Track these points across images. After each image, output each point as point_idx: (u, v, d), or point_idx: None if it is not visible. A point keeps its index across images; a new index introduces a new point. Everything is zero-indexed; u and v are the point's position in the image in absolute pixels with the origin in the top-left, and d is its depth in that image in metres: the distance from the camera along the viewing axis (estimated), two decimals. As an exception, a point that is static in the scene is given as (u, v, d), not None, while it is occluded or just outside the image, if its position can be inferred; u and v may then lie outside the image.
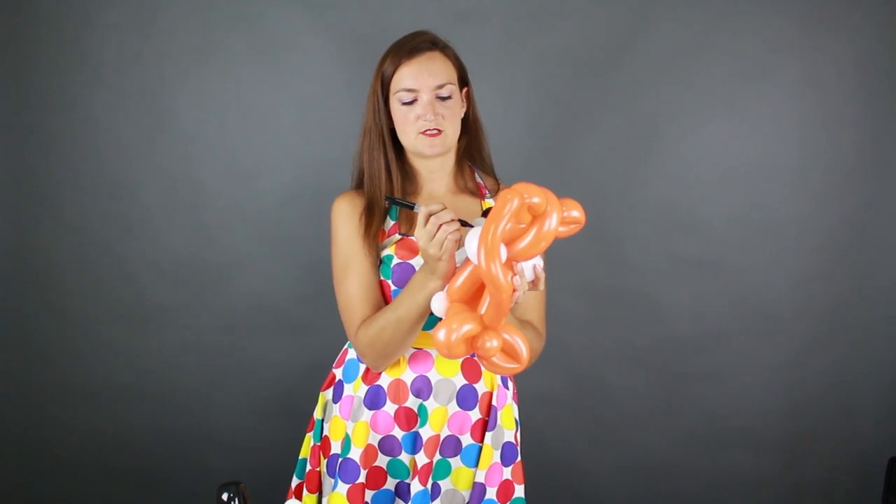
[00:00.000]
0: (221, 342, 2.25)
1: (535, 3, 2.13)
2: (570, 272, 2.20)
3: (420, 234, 1.22)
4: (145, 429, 2.29)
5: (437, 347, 1.13)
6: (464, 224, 1.25)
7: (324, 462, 1.49)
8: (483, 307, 1.17)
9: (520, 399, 2.20)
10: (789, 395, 2.28)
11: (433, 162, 1.43)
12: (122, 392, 2.28)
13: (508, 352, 1.16)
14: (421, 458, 1.38)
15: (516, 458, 1.45)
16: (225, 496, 1.24)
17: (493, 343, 1.13)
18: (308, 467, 1.52)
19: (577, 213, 1.15)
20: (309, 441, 1.54)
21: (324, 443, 1.50)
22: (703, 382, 2.27)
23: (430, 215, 1.21)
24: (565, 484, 2.31)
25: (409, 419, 1.40)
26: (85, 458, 2.30)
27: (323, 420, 1.52)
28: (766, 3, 2.12)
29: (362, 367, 1.46)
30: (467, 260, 1.19)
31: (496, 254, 1.08)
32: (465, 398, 1.40)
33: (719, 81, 2.16)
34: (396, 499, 1.44)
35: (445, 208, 1.22)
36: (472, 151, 1.50)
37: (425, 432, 1.39)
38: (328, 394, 1.52)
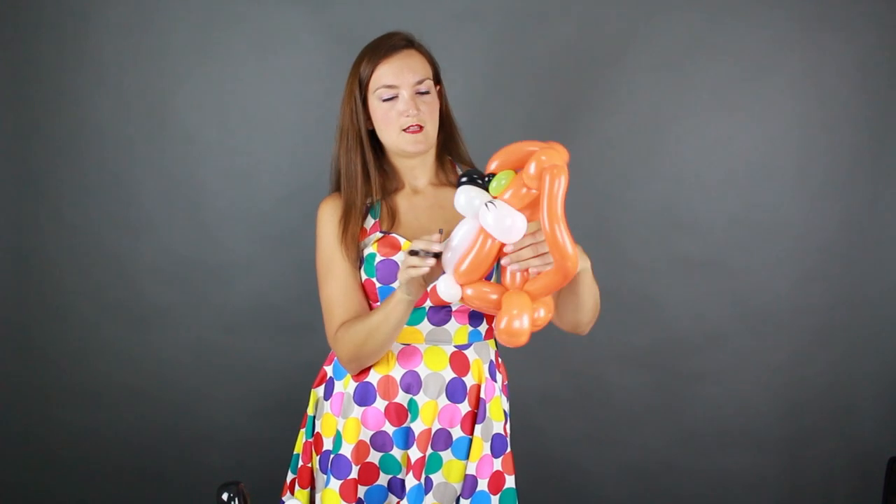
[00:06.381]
0: (221, 342, 2.25)
1: (534, 3, 2.13)
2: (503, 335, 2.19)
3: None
4: (145, 428, 2.29)
5: (500, 338, 1.17)
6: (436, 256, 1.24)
7: (316, 458, 1.51)
8: (508, 280, 1.22)
9: (520, 399, 2.21)
10: (789, 395, 2.28)
11: (414, 159, 1.45)
12: (122, 392, 2.28)
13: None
14: (414, 453, 1.39)
15: (506, 449, 1.46)
16: (225, 496, 1.24)
17: (541, 313, 1.20)
18: (300, 463, 1.53)
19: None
20: (302, 437, 1.56)
21: (316, 439, 1.51)
22: (703, 382, 2.27)
23: (411, 251, 1.24)
24: (565, 483, 2.31)
25: (400, 415, 1.41)
26: (85, 458, 2.30)
27: (315, 417, 1.53)
28: (766, 2, 2.12)
29: None
30: (477, 241, 1.18)
31: (564, 225, 1.10)
32: (455, 391, 1.41)
33: (719, 81, 2.16)
34: (389, 494, 1.45)
35: (438, 238, 1.24)
36: (449, 146, 1.53)
37: (417, 427, 1.40)
38: (319, 391, 1.54)
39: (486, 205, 1.15)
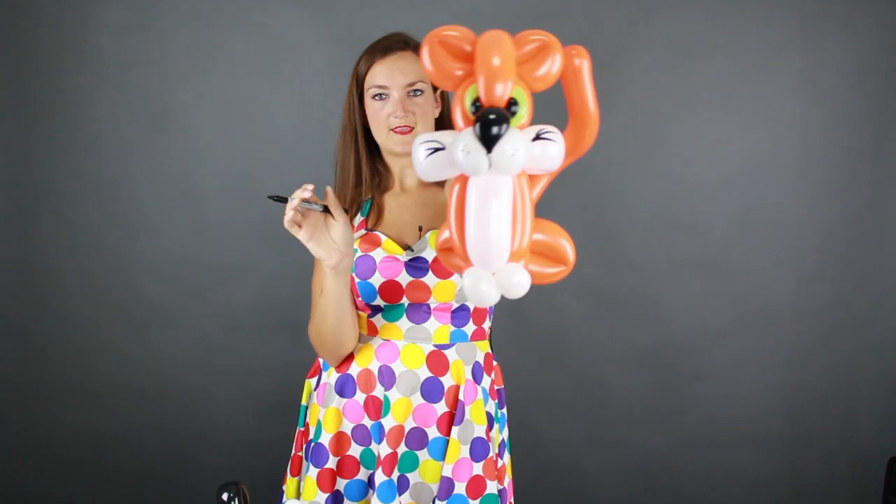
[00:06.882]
0: (221, 342, 2.25)
1: (534, 3, 2.13)
2: (571, 272, 2.20)
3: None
4: (145, 428, 2.29)
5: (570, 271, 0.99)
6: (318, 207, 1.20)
7: (304, 447, 1.52)
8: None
9: (520, 399, 2.20)
10: (789, 396, 2.28)
11: (405, 159, 1.46)
12: (122, 392, 2.28)
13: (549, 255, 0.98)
14: (384, 449, 1.39)
15: (488, 454, 1.42)
16: (225, 496, 1.24)
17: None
18: (293, 452, 1.55)
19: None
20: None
21: (306, 429, 1.52)
22: (703, 382, 2.27)
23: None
24: (565, 484, 2.31)
25: (376, 409, 1.42)
26: (85, 458, 2.30)
27: (307, 407, 1.54)
28: (766, 2, 2.13)
29: None
30: (521, 193, 0.93)
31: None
32: (431, 391, 1.40)
33: (719, 81, 2.16)
34: (369, 490, 1.44)
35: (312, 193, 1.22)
36: None
37: (387, 422, 1.40)
38: (313, 382, 1.56)
39: (546, 136, 0.92)
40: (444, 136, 0.92)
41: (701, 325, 2.25)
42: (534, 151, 0.90)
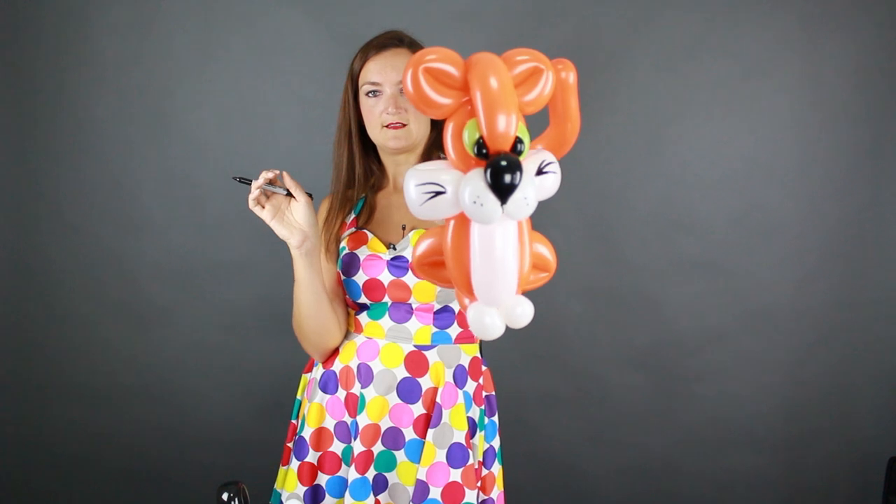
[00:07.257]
0: (221, 342, 2.25)
1: (534, 3, 2.13)
2: (571, 272, 2.20)
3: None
4: (145, 428, 2.29)
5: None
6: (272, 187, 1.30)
7: (293, 440, 1.53)
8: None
9: (520, 399, 2.20)
10: (789, 396, 2.28)
11: (399, 156, 1.46)
12: (122, 391, 2.28)
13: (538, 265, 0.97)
14: (357, 447, 1.39)
15: (468, 461, 1.39)
16: (225, 496, 1.25)
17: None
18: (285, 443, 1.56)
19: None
20: None
21: (298, 421, 1.54)
22: (702, 382, 2.27)
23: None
24: (565, 484, 2.31)
25: (353, 406, 1.42)
26: (85, 458, 2.30)
27: (301, 400, 1.57)
28: (766, 2, 2.13)
29: None
30: (524, 232, 0.91)
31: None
32: (408, 391, 1.39)
33: (719, 81, 2.16)
34: None
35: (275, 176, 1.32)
36: (441, 145, 1.52)
37: (362, 420, 1.40)
38: (308, 376, 1.56)
39: (547, 168, 0.89)
40: (439, 173, 0.86)
41: (701, 325, 2.25)
42: (545, 184, 0.89)
